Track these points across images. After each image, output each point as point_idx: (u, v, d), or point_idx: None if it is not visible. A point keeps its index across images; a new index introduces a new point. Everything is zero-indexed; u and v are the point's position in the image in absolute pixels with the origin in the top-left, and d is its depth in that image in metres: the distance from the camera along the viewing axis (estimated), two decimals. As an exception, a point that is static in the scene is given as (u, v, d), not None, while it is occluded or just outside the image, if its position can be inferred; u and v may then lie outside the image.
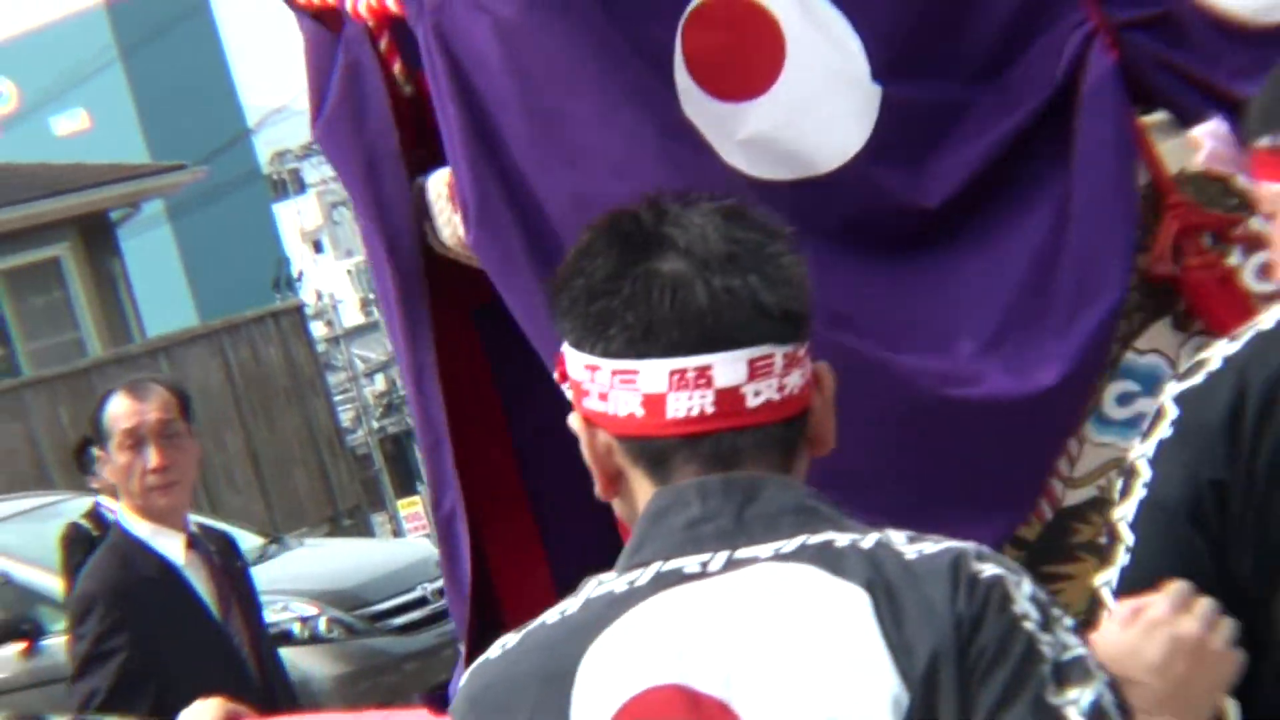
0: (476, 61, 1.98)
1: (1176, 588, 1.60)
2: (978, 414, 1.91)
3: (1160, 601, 1.59)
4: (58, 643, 8.80)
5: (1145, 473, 1.57)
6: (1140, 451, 1.59)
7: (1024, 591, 1.39)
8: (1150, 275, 2.01)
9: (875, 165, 2.02)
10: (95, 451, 8.02)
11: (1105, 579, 1.61)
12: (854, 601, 1.35)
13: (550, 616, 1.40)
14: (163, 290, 21.92)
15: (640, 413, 1.41)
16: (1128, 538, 1.58)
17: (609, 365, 1.40)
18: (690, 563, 1.37)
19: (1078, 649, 1.37)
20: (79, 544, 8.50)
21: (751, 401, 1.41)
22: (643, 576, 1.38)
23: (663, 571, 1.38)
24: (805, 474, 1.50)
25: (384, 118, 2.11)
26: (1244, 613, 1.55)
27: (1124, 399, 2.08)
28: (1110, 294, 1.92)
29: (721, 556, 1.37)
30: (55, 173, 18.49)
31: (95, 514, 7.87)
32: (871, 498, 1.85)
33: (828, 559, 1.38)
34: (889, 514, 1.84)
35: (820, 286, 1.86)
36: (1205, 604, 1.60)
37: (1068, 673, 1.34)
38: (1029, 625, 1.35)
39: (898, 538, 1.42)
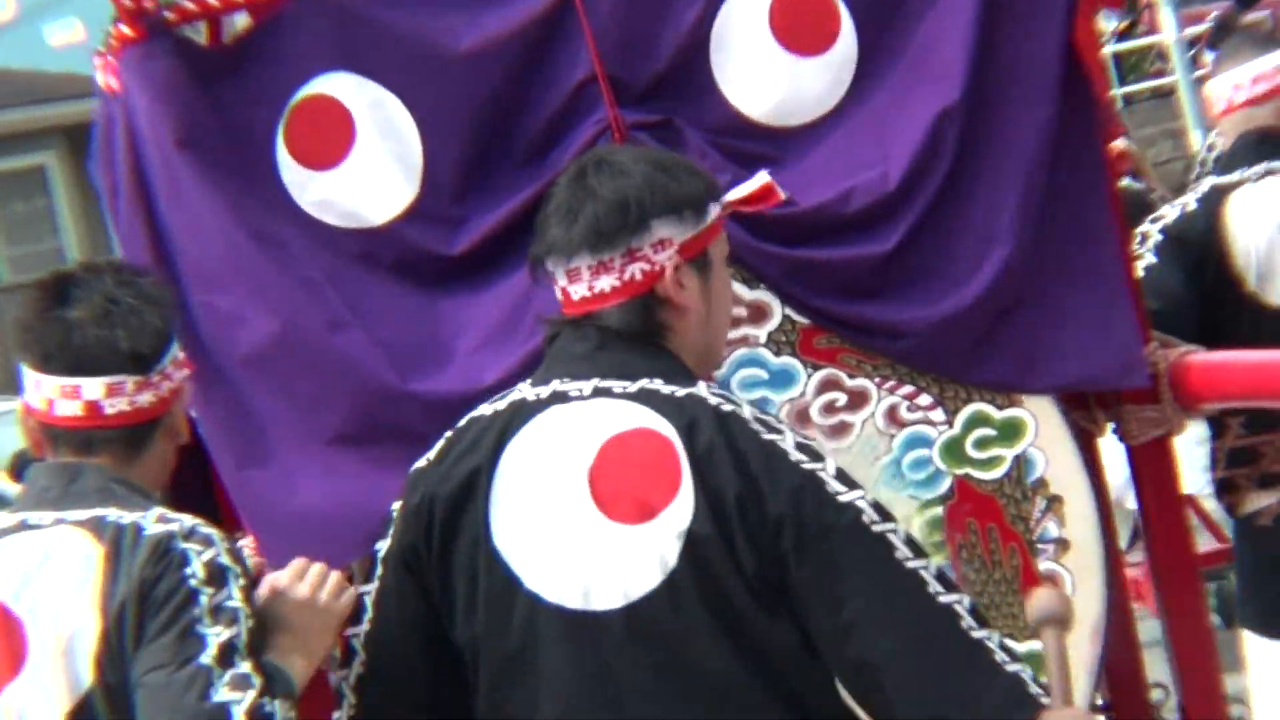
0: (135, 129, 2.62)
1: (298, 563, 2.30)
2: (433, 402, 2.52)
3: (283, 572, 2.29)
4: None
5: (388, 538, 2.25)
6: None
7: (203, 559, 2.16)
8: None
9: (413, 222, 2.64)
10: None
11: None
12: (92, 557, 2.12)
13: None
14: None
15: (43, 408, 2.19)
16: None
17: (32, 375, 2.19)
18: (33, 517, 2.17)
19: (231, 600, 2.13)
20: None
21: (108, 410, 2.19)
22: (7, 522, 2.18)
23: (16, 521, 2.17)
24: (165, 452, 2.32)
25: (123, 161, 2.70)
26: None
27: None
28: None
29: (50, 516, 2.16)
30: (47, 81, 18.70)
31: None
32: (356, 454, 2.62)
33: (94, 527, 2.14)
34: (374, 466, 2.57)
35: (358, 302, 2.60)
36: (316, 570, 2.30)
37: (218, 614, 2.10)
38: (193, 581, 2.11)
39: (152, 516, 2.17)
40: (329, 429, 2.60)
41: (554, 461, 2.18)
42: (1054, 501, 2.83)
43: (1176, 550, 2.99)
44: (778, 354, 2.75)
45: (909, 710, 2.10)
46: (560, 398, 2.20)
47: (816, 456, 2.17)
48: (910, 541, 2.14)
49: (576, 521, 2.17)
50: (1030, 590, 2.63)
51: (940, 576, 2.13)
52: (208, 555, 2.20)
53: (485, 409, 2.25)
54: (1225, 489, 3.72)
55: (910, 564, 2.11)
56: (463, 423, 2.26)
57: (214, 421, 2.67)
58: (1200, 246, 3.58)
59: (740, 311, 2.67)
